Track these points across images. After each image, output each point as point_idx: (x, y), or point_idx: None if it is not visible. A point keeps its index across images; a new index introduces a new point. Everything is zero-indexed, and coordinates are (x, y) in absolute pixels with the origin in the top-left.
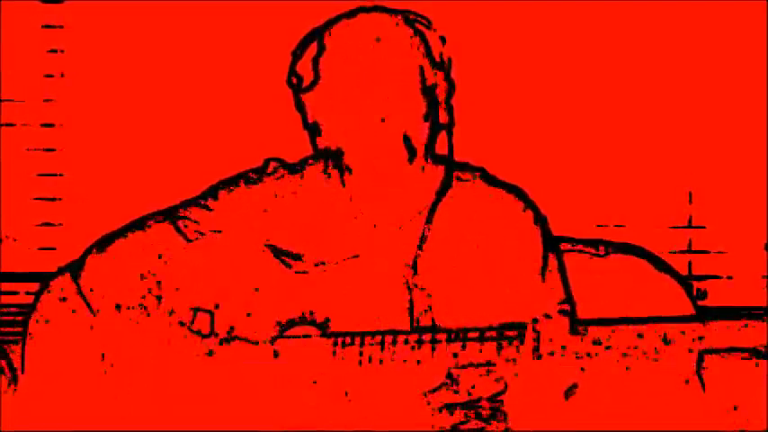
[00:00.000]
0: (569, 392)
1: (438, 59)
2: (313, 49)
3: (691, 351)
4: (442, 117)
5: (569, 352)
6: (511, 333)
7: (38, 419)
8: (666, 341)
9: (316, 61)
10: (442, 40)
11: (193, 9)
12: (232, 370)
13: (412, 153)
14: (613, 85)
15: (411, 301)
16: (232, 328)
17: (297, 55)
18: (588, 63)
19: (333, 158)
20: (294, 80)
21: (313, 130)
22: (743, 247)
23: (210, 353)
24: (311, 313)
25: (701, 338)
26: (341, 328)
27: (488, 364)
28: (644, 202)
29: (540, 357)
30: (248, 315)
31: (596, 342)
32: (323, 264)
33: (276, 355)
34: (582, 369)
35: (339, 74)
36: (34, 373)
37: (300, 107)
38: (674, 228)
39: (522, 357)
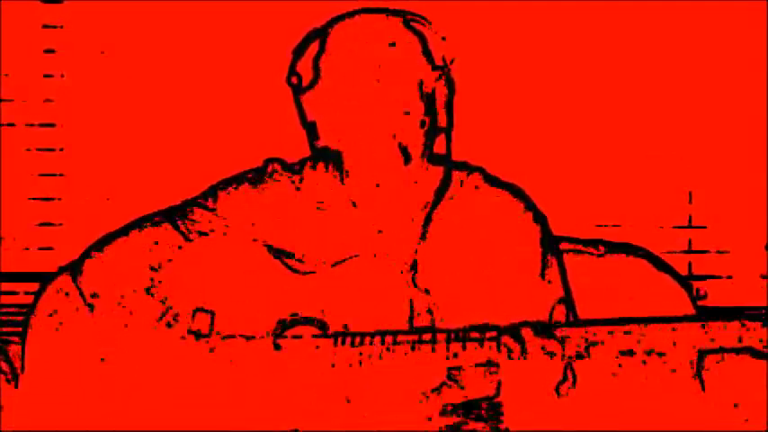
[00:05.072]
0: (568, 392)
1: (439, 62)
2: (314, 48)
3: (691, 351)
4: (442, 120)
5: (567, 352)
6: (510, 333)
7: (38, 419)
8: (666, 341)
9: (316, 61)
10: (443, 41)
11: (193, 9)
12: (232, 370)
13: (407, 159)
14: (613, 85)
15: (411, 301)
16: (232, 329)
17: (297, 54)
18: (588, 63)
19: (331, 159)
20: (294, 79)
21: (311, 129)
22: (743, 247)
23: (210, 353)
24: (311, 313)
25: (700, 338)
26: (341, 328)
27: (488, 364)
28: (644, 202)
29: (553, 352)
30: (248, 315)
31: (596, 342)
32: (323, 264)
33: (276, 349)
34: (581, 369)
35: (338, 75)
36: (34, 373)
37: (300, 106)
38: (675, 228)
39: (517, 358)
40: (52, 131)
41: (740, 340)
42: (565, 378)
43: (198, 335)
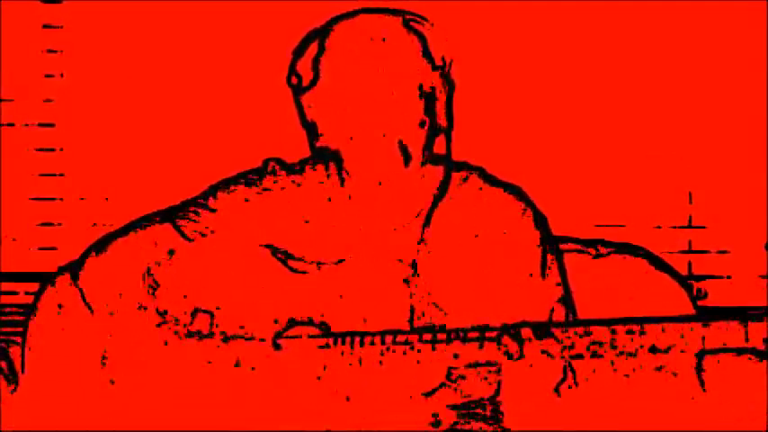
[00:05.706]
0: (568, 392)
1: (438, 62)
2: (313, 48)
3: (691, 351)
4: (442, 120)
5: (567, 352)
6: (510, 333)
7: (38, 419)
8: (666, 341)
9: (316, 61)
10: (443, 41)
11: (193, 9)
12: (232, 370)
13: (407, 158)
14: (613, 85)
15: (411, 302)
16: (232, 329)
17: (297, 54)
18: (588, 63)
19: (331, 159)
20: (294, 79)
21: (311, 130)
22: (743, 247)
23: (210, 353)
24: (311, 313)
25: (701, 338)
26: (341, 328)
27: (488, 364)
28: (644, 202)
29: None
30: (248, 315)
31: (596, 342)
32: (322, 264)
33: (276, 349)
34: (581, 369)
35: (338, 75)
36: (34, 373)
37: (300, 106)
38: (674, 228)
39: (516, 358)
40: (52, 131)
41: (740, 340)
42: (565, 378)
43: (198, 335)
